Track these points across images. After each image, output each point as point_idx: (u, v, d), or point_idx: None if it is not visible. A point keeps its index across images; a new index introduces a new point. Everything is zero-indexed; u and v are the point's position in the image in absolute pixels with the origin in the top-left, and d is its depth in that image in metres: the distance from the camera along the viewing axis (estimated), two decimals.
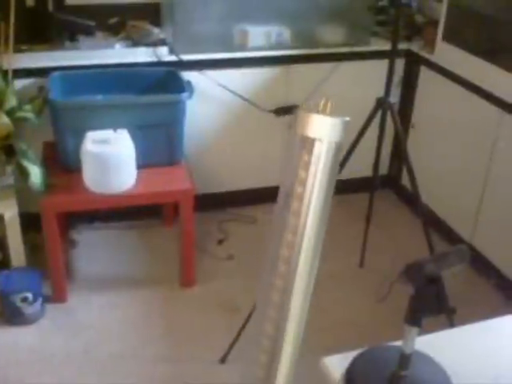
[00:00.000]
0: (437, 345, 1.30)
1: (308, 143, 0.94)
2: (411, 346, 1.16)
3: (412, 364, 1.18)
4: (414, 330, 1.13)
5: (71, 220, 3.28)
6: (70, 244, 3.20)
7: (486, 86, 2.91)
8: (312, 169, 0.95)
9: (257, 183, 3.55)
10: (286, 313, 0.97)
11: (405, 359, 1.17)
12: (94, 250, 3.21)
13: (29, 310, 2.69)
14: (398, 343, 1.19)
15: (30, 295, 2.69)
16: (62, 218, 2.97)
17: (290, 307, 0.97)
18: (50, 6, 3.04)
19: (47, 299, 2.80)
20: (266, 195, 3.59)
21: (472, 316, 1.48)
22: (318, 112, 0.96)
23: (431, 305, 1.08)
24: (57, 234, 2.70)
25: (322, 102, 0.97)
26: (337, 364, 1.22)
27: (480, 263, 3.02)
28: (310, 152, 0.94)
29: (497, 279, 3.00)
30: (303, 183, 0.96)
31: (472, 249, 3.04)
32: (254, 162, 3.48)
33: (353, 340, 1.34)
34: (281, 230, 1.01)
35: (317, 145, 0.94)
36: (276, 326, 0.98)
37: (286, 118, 3.39)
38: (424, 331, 1.23)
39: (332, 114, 0.99)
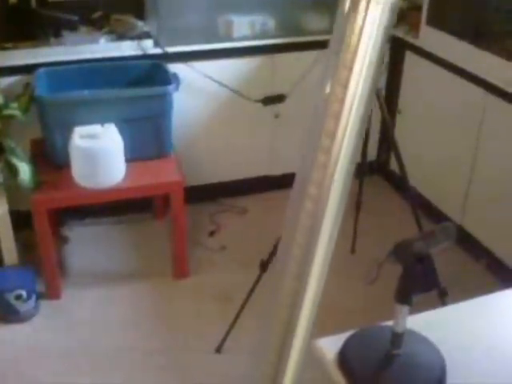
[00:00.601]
0: (429, 323, 1.32)
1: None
2: (403, 325, 1.17)
3: (404, 343, 1.20)
4: (405, 308, 1.15)
5: (62, 216, 3.28)
6: (62, 240, 3.20)
7: (470, 68, 2.92)
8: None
9: (246, 173, 3.56)
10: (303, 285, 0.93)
11: (397, 338, 1.18)
12: (86, 245, 3.21)
13: (23, 307, 2.70)
14: (390, 323, 1.21)
15: (23, 293, 2.69)
16: (52, 215, 2.97)
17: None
18: (33, 3, 3.03)
19: (41, 296, 2.80)
20: (256, 185, 3.61)
21: (463, 297, 1.50)
22: None
23: (421, 283, 1.10)
24: (48, 230, 2.70)
25: None
26: (330, 345, 1.24)
27: (470, 245, 3.05)
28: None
29: (487, 260, 3.03)
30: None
31: (462, 230, 3.07)
32: (243, 152, 3.49)
33: (346, 323, 1.35)
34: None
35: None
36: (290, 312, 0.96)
37: (274, 107, 3.40)
38: (416, 311, 1.25)
39: None
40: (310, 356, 1.27)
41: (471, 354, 1.26)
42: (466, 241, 3.03)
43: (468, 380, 1.20)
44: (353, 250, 3.11)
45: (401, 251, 1.08)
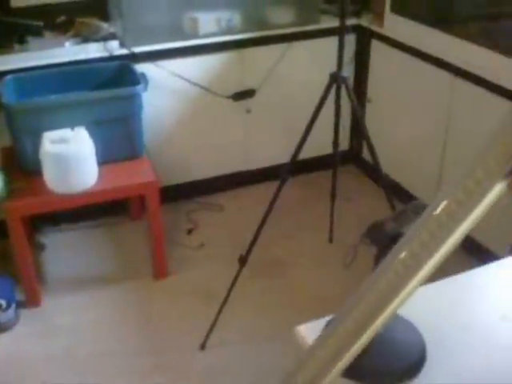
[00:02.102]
0: (406, 303, 1.33)
1: None
2: None
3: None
4: None
5: (37, 224, 3.25)
6: (38, 248, 3.17)
7: (435, 53, 2.96)
8: None
9: (221, 170, 3.56)
10: None
11: None
12: (63, 251, 3.19)
13: (3, 317, 2.67)
14: None
15: (2, 302, 2.67)
16: (27, 222, 2.95)
17: None
18: None
19: (21, 305, 2.78)
20: (230, 181, 3.61)
21: (439, 275, 1.51)
22: None
23: None
24: (24, 238, 2.68)
25: None
26: (310, 331, 1.24)
27: None
28: None
29: (464, 242, 3.05)
30: None
31: None
32: (216, 149, 3.49)
33: (326, 311, 1.37)
34: None
35: None
36: None
37: (245, 103, 3.41)
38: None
39: None
40: (290, 343, 1.28)
41: (450, 332, 1.28)
42: None
43: (448, 358, 1.21)
44: (330, 240, 3.13)
45: (374, 232, 1.09)
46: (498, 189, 0.46)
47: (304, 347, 1.24)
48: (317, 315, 1.33)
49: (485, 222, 2.73)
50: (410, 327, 1.25)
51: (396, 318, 1.26)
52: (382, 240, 1.09)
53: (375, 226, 1.09)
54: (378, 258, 1.11)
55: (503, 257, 1.53)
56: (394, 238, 1.09)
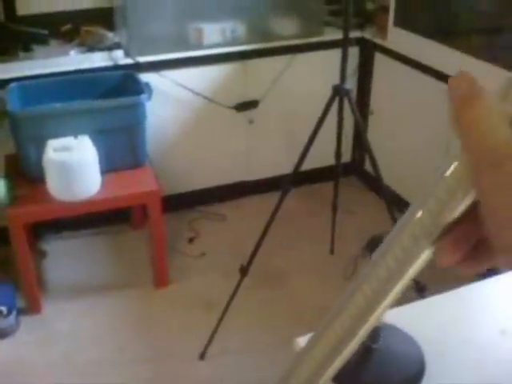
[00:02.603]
0: (406, 316, 1.34)
1: None
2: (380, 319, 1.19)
3: (382, 336, 1.21)
4: None
5: (39, 230, 3.26)
6: (40, 255, 3.18)
7: (438, 66, 2.97)
8: None
9: (223, 180, 3.57)
10: None
11: (375, 332, 1.20)
12: (64, 258, 3.20)
13: (4, 323, 2.68)
14: None
15: (3, 309, 2.67)
16: (29, 230, 2.96)
17: None
18: (2, 17, 3.02)
19: (21, 311, 2.78)
20: (233, 191, 3.62)
21: (440, 287, 1.52)
22: None
23: None
24: (25, 245, 2.69)
25: None
26: None
27: None
28: None
29: None
30: None
31: None
32: (219, 159, 3.50)
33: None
34: None
35: None
36: None
37: (247, 113, 3.42)
38: (392, 304, 1.27)
39: None
40: (290, 355, 1.28)
41: (449, 346, 1.28)
42: None
43: (447, 372, 1.22)
44: (332, 251, 3.14)
45: (374, 245, 1.10)
46: (426, 256, 0.46)
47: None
48: (313, 322, 1.34)
49: None
50: (408, 340, 1.26)
51: (395, 331, 1.27)
52: None
53: (376, 240, 1.10)
54: None
55: (503, 271, 1.54)
56: None
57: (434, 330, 1.31)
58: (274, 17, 3.42)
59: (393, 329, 1.26)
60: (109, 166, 2.79)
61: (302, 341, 1.27)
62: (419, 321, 1.33)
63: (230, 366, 2.56)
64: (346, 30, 2.32)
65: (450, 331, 1.33)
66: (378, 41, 3.40)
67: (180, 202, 3.46)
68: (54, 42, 3.08)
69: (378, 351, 1.20)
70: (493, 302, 1.44)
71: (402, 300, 1.35)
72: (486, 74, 2.71)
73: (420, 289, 2.37)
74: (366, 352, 1.20)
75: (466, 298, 1.44)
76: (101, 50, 3.04)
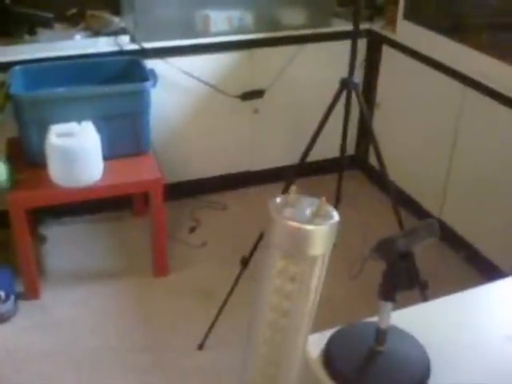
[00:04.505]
0: (412, 319, 1.32)
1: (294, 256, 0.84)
2: (386, 321, 1.17)
3: (388, 339, 1.20)
4: (389, 305, 1.15)
5: (39, 215, 3.24)
6: (40, 240, 3.16)
7: (447, 62, 2.94)
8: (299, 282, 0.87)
9: (226, 169, 3.55)
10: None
11: (381, 334, 1.18)
12: (64, 244, 3.18)
13: (2, 308, 2.67)
14: (374, 319, 1.21)
15: (2, 293, 2.66)
16: (29, 214, 2.94)
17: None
18: (7, 0, 2.98)
19: (20, 296, 2.77)
20: (236, 181, 3.60)
21: (444, 289, 1.51)
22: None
23: (404, 279, 1.10)
24: (26, 230, 2.67)
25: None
26: (314, 343, 1.23)
27: (449, 238, 3.07)
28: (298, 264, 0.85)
29: (466, 252, 3.05)
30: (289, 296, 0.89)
31: (441, 223, 3.08)
32: (222, 148, 3.48)
33: (329, 318, 1.36)
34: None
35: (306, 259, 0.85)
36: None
37: (253, 103, 3.39)
38: (398, 307, 1.25)
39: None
40: None
41: (455, 350, 1.27)
42: (445, 234, 3.05)
43: (452, 376, 1.20)
44: (334, 244, 3.11)
45: (384, 248, 1.08)
46: None
47: (307, 358, 1.23)
48: (318, 320, 1.32)
49: (494, 239, 2.72)
50: (414, 343, 1.24)
51: (400, 334, 1.25)
52: (392, 256, 1.08)
53: (385, 242, 1.07)
54: (386, 274, 1.10)
55: (510, 274, 1.52)
56: (403, 255, 1.08)
57: (439, 334, 1.30)
58: (281, 6, 3.37)
59: (398, 331, 1.25)
60: (111, 153, 2.77)
61: None
62: (425, 324, 1.31)
63: (229, 356, 2.54)
64: (356, 24, 2.29)
65: (456, 335, 1.31)
66: (387, 33, 3.37)
67: (182, 191, 3.44)
68: (58, 26, 3.05)
69: (383, 354, 1.19)
70: (499, 306, 1.42)
71: (405, 300, 1.34)
72: (496, 72, 2.69)
73: (422, 286, 2.36)
74: (371, 354, 1.18)
75: (472, 302, 1.42)
76: (106, 34, 3.01)
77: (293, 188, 0.89)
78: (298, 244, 0.85)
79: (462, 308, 1.39)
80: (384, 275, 1.11)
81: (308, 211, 0.85)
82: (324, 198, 0.86)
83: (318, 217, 0.84)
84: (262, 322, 0.95)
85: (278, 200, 0.86)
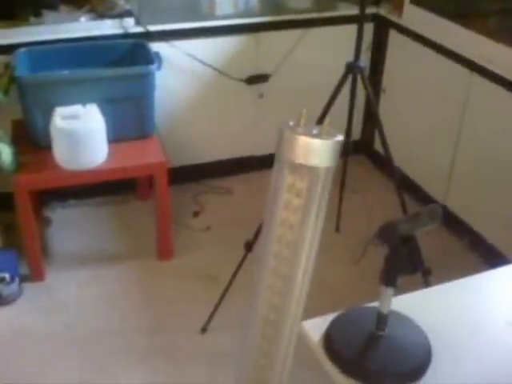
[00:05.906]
0: (414, 304, 1.32)
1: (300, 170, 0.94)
2: (387, 306, 1.18)
3: (389, 324, 1.20)
4: (390, 290, 1.15)
5: (44, 198, 3.25)
6: (44, 222, 3.17)
7: (454, 47, 2.92)
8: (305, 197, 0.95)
9: (230, 153, 3.55)
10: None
11: (382, 319, 1.19)
12: (68, 227, 3.19)
13: (6, 290, 2.68)
14: (375, 304, 1.21)
15: (6, 275, 2.67)
16: (34, 197, 2.94)
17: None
18: None
19: (25, 279, 2.78)
20: (240, 165, 3.60)
21: (447, 276, 1.50)
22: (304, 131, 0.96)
23: (406, 264, 1.10)
24: (30, 212, 2.68)
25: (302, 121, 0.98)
26: (315, 327, 1.24)
27: (453, 224, 3.06)
28: (303, 179, 0.95)
29: (470, 239, 3.05)
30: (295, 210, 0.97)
31: (445, 209, 3.08)
32: (227, 132, 3.47)
33: (331, 303, 1.36)
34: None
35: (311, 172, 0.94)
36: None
37: (258, 87, 3.38)
38: (401, 292, 1.25)
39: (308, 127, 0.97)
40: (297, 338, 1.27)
41: (456, 335, 1.27)
42: (449, 220, 3.05)
43: (453, 361, 1.20)
44: (337, 229, 3.12)
45: (386, 233, 1.08)
46: None
47: (309, 343, 1.23)
48: (320, 304, 1.33)
49: (498, 226, 2.72)
50: (415, 328, 1.25)
51: (402, 319, 1.25)
52: (394, 241, 1.08)
53: (388, 227, 1.07)
54: (388, 259, 1.10)
55: None
56: (406, 240, 1.08)
57: (441, 319, 1.30)
58: None
59: (400, 316, 1.25)
60: (116, 136, 2.77)
61: (306, 325, 1.25)
62: (426, 309, 1.31)
63: (231, 340, 2.55)
64: (362, 7, 2.27)
65: (457, 320, 1.31)
66: (394, 18, 3.34)
67: (186, 175, 3.44)
68: (63, 8, 3.02)
69: (384, 338, 1.19)
70: (501, 292, 1.42)
71: (408, 286, 1.34)
72: (503, 58, 2.67)
73: (425, 272, 2.36)
74: (372, 339, 1.18)
75: (474, 288, 1.42)
76: (111, 17, 2.99)
77: (304, 111, 1.05)
78: (305, 156, 0.96)
79: (463, 294, 1.39)
80: (386, 260, 1.11)
81: (315, 131, 0.99)
82: (328, 121, 1.01)
83: (323, 135, 0.97)
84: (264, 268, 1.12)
85: (291, 123, 1.02)
